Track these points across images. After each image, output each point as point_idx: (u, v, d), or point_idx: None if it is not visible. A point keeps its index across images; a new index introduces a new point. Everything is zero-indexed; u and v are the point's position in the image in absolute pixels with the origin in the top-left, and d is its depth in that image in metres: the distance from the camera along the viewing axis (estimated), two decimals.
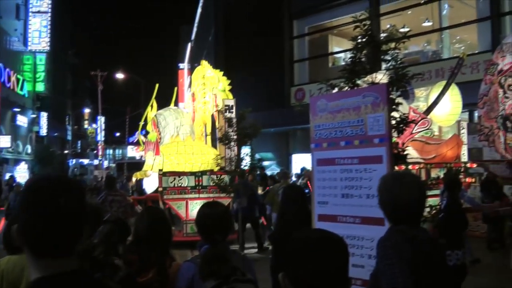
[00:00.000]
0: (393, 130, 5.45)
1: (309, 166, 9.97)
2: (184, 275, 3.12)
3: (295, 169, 23.45)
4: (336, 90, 6.10)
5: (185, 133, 14.28)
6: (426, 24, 22.76)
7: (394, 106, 5.65)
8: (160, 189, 13.21)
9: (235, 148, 12.36)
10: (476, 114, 19.42)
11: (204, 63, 15.35)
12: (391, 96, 5.44)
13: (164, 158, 13.83)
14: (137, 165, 40.13)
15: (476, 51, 20.49)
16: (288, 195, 5.56)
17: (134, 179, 16.30)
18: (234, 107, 15.17)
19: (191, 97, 14.92)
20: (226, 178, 12.45)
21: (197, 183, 13.14)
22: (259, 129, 12.22)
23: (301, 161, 23.30)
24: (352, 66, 5.82)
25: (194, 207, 12.80)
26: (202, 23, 48.05)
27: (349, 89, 5.83)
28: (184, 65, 56.79)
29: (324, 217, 5.37)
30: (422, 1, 22.16)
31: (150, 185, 15.14)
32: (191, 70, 55.06)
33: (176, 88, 16.31)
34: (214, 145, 14.75)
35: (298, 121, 20.29)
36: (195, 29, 54.74)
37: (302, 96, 25.47)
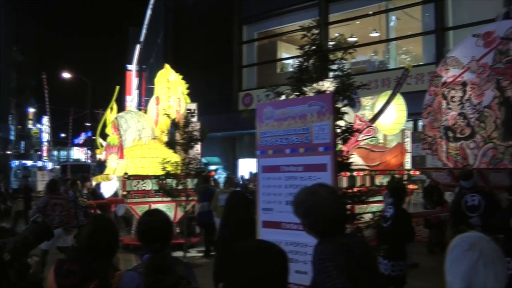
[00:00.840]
0: (338, 138, 5.52)
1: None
2: (128, 284, 3.05)
3: (242, 173, 23.53)
4: (283, 97, 6.14)
5: (147, 136, 14.08)
6: (374, 34, 23.22)
7: (339, 115, 5.73)
8: (124, 192, 13.02)
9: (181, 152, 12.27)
10: (420, 123, 19.93)
11: (167, 66, 15.19)
12: (336, 105, 5.52)
13: (128, 161, 13.62)
14: (82, 167, 39.53)
15: (421, 63, 21.04)
16: (232, 202, 5.54)
17: (94, 183, 15.89)
18: (196, 111, 15.21)
19: (155, 101, 14.70)
20: (171, 182, 12.33)
21: (160, 187, 12.97)
22: (206, 133, 12.18)
23: (247, 166, 23.40)
24: (299, 74, 5.86)
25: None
26: (151, 25, 47.67)
27: (295, 97, 5.87)
28: (132, 67, 56.01)
29: (269, 223, 5.40)
30: (371, 12, 22.61)
31: (108, 189, 14.90)
32: (139, 72, 54.58)
33: (117, 87, 16.06)
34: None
35: (245, 126, 20.30)
36: (144, 31, 54.17)
37: (250, 101, 25.56)
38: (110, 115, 15.05)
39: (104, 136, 15.85)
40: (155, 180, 12.85)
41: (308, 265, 4.98)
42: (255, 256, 1.88)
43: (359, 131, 6.65)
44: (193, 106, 15.14)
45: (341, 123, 5.83)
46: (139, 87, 55.33)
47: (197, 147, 14.53)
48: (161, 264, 2.88)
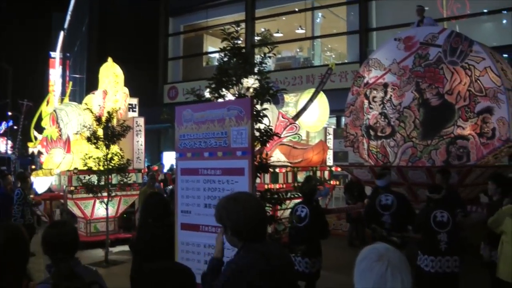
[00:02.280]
0: (257, 142, 5.58)
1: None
2: None
3: (167, 166, 23.36)
4: (207, 95, 6.14)
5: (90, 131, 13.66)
6: (299, 31, 23.52)
7: (260, 118, 5.78)
8: (72, 188, 12.71)
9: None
10: (343, 119, 20.43)
11: (110, 59, 14.77)
12: (256, 108, 5.57)
13: (75, 156, 13.20)
14: (2, 160, 37.84)
15: (346, 60, 21.54)
16: (149, 205, 5.48)
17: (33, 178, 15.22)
18: (137, 106, 14.97)
19: (102, 94, 14.28)
20: (94, 178, 12.06)
21: (106, 182, 12.60)
22: (128, 128, 11.95)
23: (172, 159, 23.24)
24: (219, 76, 5.87)
25: (100, 207, 12.32)
26: (76, 12, 46.34)
27: (215, 99, 5.88)
28: (56, 54, 54.29)
29: (187, 226, 5.42)
30: (296, 9, 22.89)
31: (42, 185, 14.41)
32: (63, 60, 52.95)
33: (71, 83, 15.69)
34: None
35: (170, 119, 20.13)
36: (68, 17, 52.64)
37: (175, 95, 25.44)
38: (47, 107, 14.57)
39: (39, 129, 15.34)
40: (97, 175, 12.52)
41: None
42: (164, 275, 1.91)
43: (278, 135, 6.72)
44: (134, 101, 14.95)
45: (261, 125, 5.88)
46: (63, 75, 53.78)
47: (141, 141, 14.56)
48: (68, 273, 2.85)
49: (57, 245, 3.14)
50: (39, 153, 15.23)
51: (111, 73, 14.52)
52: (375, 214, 7.55)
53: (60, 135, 13.83)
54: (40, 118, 15.17)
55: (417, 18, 12.19)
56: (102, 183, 11.36)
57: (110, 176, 11.50)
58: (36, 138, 15.43)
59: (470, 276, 7.27)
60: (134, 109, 14.75)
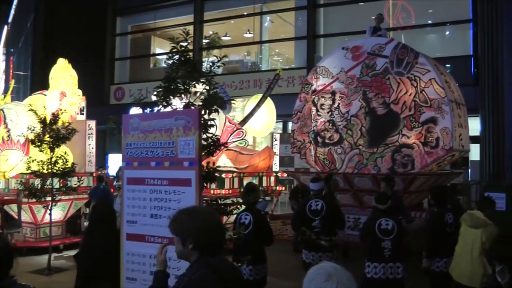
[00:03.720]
0: (204, 152, 5.54)
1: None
2: None
3: (112, 168, 22.94)
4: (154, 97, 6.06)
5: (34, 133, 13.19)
6: (248, 35, 23.54)
7: (208, 126, 5.75)
8: (27, 192, 12.07)
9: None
10: (289, 124, 20.56)
11: (65, 60, 14.55)
12: (203, 117, 5.54)
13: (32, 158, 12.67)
14: None
15: (293, 66, 21.70)
16: (97, 214, 5.37)
17: None
18: (85, 109, 14.68)
19: (59, 95, 13.91)
20: (36, 181, 11.69)
21: (61, 185, 12.14)
22: (74, 131, 11.66)
23: (117, 161, 22.83)
24: (167, 85, 5.80)
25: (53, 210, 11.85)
26: (21, 6, 44.95)
27: (163, 108, 5.81)
28: None
29: (133, 236, 5.33)
30: (245, 13, 22.92)
31: None
32: (6, 56, 51.33)
33: (13, 81, 15.20)
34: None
35: (117, 127, 19.80)
36: (12, 11, 51.03)
37: (121, 95, 25.07)
38: None
39: None
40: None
41: (172, 279, 4.98)
42: None
43: (225, 145, 6.69)
44: (83, 103, 14.74)
45: (208, 134, 5.85)
46: (6, 71, 52.14)
47: (93, 144, 14.46)
48: None
49: None
50: None
51: (67, 75, 14.27)
52: (305, 219, 7.64)
53: (9, 135, 13.36)
54: None
55: (370, 25, 12.34)
56: (48, 186, 11.06)
57: (63, 180, 11.22)
58: None
59: (415, 281, 7.41)
60: (82, 112, 14.56)
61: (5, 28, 53.28)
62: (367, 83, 11.26)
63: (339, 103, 11.63)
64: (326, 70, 11.98)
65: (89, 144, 14.42)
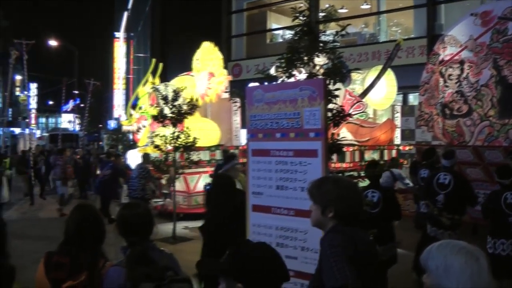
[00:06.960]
0: (329, 122, 5.44)
1: None
2: (114, 279, 2.92)
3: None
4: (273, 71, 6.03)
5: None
6: (365, 6, 22.98)
7: (331, 97, 5.64)
8: (184, 163, 12.86)
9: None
10: (410, 97, 19.91)
11: (211, 44, 15.99)
12: (328, 88, 5.42)
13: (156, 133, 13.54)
14: (71, 136, 39.05)
15: (412, 35, 20.89)
16: (218, 185, 5.43)
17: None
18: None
19: (208, 76, 15.11)
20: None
21: (211, 157, 14.12)
22: (195, 107, 12.01)
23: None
24: (289, 55, 5.73)
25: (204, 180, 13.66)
26: None
27: (286, 79, 5.76)
28: (120, 34, 55.38)
29: (258, 207, 5.35)
30: None
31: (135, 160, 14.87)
32: (127, 40, 53.94)
33: (154, 60, 16.21)
34: None
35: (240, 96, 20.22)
36: None
37: (239, 72, 25.38)
38: (143, 88, 15.09)
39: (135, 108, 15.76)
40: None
41: (298, 251, 4.98)
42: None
43: (350, 115, 6.54)
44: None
45: (332, 106, 5.74)
46: (127, 55, 54.82)
47: (238, 120, 15.73)
48: (142, 257, 2.79)
49: (130, 227, 3.11)
50: (138, 129, 15.54)
51: (214, 56, 15.52)
52: (431, 192, 7.25)
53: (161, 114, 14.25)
54: (137, 98, 15.65)
55: None
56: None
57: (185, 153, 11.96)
58: (132, 116, 15.79)
59: None
60: (227, 91, 15.88)
61: (125, 14, 55.94)
62: (497, 50, 10.59)
63: (468, 73, 11.07)
64: (453, 38, 11.43)
65: (235, 120, 15.85)
